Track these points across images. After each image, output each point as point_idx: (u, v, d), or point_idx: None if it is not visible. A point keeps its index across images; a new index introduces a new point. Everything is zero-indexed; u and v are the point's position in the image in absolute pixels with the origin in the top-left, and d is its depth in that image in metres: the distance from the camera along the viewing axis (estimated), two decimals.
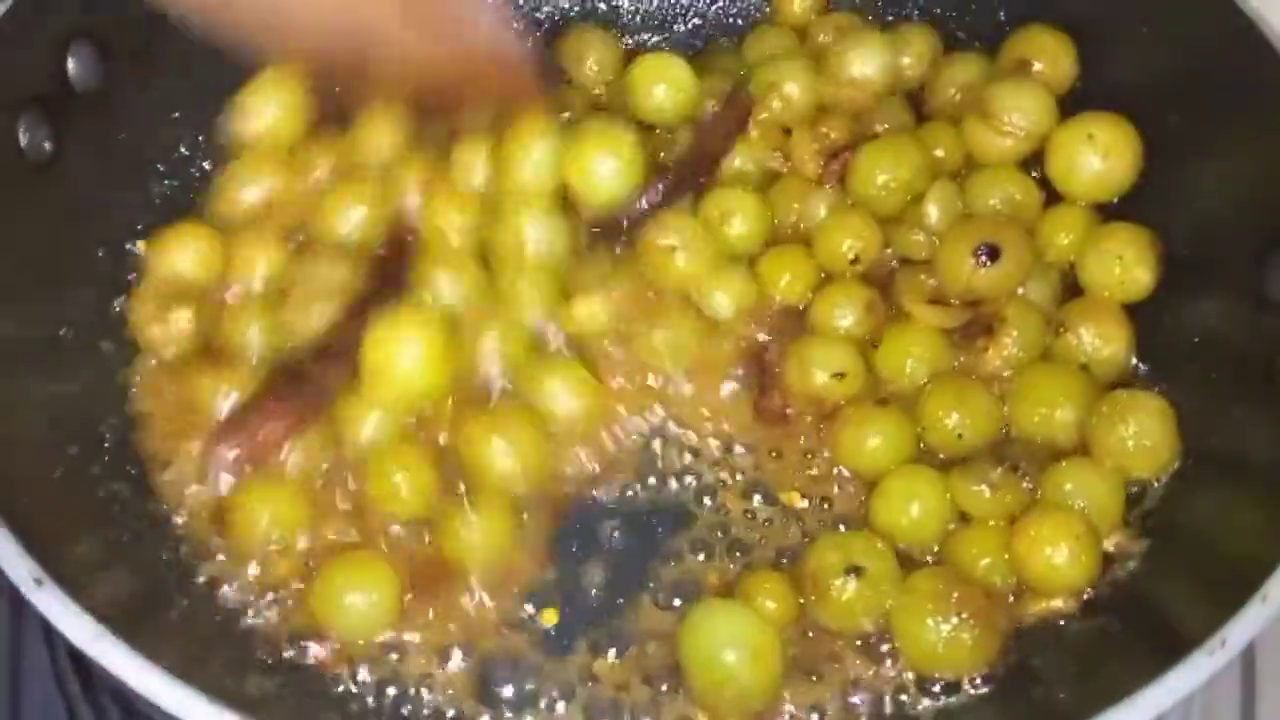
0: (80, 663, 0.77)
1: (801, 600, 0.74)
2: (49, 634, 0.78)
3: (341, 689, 0.71)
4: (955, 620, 0.70)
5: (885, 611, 0.73)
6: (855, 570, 0.72)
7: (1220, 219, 0.78)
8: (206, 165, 0.88)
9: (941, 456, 0.79)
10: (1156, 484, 0.76)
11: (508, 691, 0.72)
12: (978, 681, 0.71)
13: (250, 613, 0.73)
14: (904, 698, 0.71)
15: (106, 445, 0.76)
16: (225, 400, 0.76)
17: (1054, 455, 0.78)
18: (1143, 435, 0.75)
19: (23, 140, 0.74)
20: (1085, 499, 0.75)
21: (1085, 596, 0.73)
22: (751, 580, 0.74)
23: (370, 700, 0.71)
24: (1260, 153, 0.74)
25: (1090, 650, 0.70)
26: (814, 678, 0.72)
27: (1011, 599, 0.74)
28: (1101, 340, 0.81)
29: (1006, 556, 0.74)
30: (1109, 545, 0.75)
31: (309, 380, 0.75)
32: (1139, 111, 0.83)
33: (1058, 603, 0.73)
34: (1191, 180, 0.80)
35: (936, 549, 0.76)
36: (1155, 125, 0.82)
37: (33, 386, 0.72)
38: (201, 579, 0.73)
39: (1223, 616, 0.58)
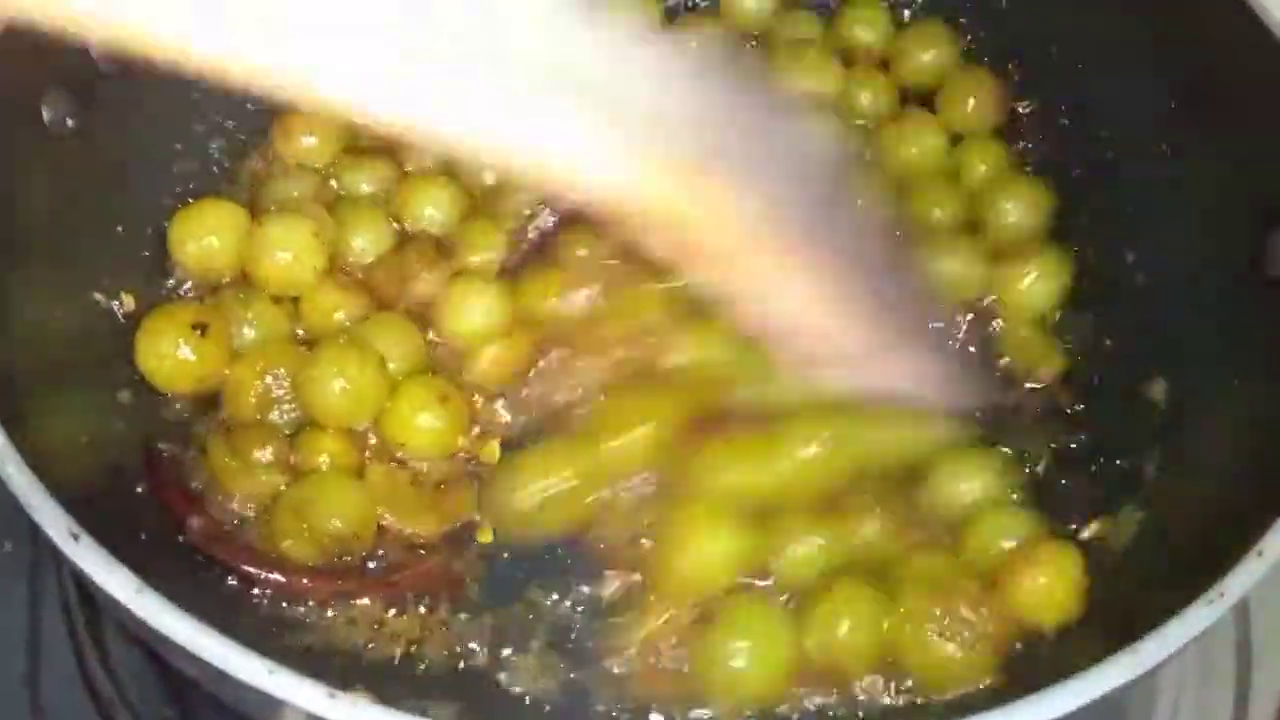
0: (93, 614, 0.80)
1: None
2: (62, 590, 0.81)
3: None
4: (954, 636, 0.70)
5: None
6: None
7: (1218, 197, 0.80)
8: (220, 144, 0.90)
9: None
10: (1150, 463, 0.79)
11: None
12: None
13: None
14: None
15: (126, 413, 0.78)
16: None
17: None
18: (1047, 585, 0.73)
19: (46, 116, 0.75)
20: None
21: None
22: None
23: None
24: (1255, 131, 0.76)
25: (1089, 615, 0.73)
26: None
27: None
28: None
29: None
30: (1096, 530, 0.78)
31: None
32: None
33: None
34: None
35: None
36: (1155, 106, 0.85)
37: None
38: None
39: (1221, 570, 0.60)
